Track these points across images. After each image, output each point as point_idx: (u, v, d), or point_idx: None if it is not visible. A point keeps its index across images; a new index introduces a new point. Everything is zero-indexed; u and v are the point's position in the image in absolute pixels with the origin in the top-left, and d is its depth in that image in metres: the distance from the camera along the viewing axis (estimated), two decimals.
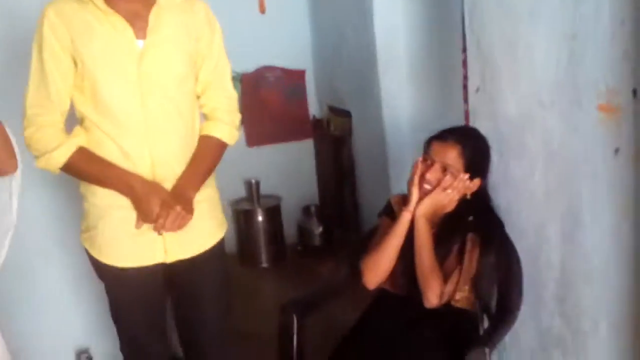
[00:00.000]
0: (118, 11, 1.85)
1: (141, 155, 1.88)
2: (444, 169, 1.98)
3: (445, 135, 2.02)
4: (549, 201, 1.90)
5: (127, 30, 1.85)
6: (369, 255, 2.07)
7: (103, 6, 1.83)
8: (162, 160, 1.90)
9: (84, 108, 1.89)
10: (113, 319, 2.05)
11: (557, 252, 1.89)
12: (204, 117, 2.06)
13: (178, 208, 1.86)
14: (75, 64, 1.86)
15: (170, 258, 1.95)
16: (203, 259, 2.01)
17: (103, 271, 1.96)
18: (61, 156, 1.84)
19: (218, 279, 2.10)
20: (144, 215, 1.87)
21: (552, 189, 1.87)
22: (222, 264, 2.13)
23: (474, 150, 2.01)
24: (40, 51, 1.85)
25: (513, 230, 2.02)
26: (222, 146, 2.03)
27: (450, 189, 1.97)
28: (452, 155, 1.97)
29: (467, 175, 1.97)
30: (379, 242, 2.06)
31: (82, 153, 1.87)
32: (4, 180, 1.82)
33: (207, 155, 2.00)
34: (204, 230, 2.01)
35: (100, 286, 2.02)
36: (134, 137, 1.88)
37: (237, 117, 2.08)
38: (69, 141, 1.86)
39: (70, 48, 1.84)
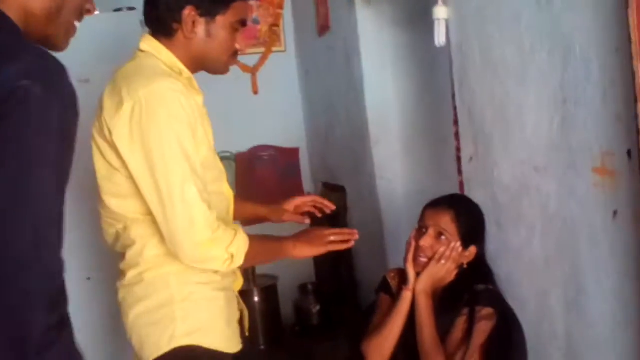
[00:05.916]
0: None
1: None
2: (438, 235, 1.95)
3: (438, 202, 2.01)
4: (550, 268, 1.85)
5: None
6: (371, 338, 2.00)
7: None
8: None
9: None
10: None
11: (561, 321, 1.83)
12: None
13: None
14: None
15: None
16: None
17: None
18: (244, 237, 1.76)
19: None
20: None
21: (552, 255, 1.83)
22: None
23: (467, 215, 1.99)
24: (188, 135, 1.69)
25: (514, 301, 1.96)
26: None
27: (444, 260, 1.93)
28: (445, 220, 1.95)
29: (459, 243, 1.93)
30: (381, 323, 2.00)
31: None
32: None
33: None
34: None
35: None
36: None
37: None
38: (235, 226, 1.82)
39: None
